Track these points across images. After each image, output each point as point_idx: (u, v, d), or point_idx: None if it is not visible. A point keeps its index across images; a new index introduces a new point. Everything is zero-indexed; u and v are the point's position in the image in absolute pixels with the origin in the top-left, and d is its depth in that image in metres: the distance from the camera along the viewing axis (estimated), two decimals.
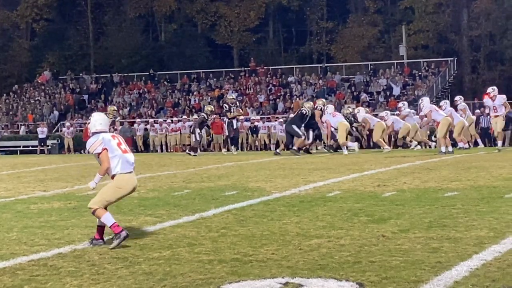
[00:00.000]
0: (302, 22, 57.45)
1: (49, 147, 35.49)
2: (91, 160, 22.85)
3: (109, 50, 56.24)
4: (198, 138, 25.28)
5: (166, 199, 10.75)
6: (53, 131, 39.09)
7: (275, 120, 33.20)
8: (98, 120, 7.63)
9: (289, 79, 42.72)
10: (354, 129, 23.73)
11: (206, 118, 25.51)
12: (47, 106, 43.73)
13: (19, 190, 12.97)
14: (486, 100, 20.58)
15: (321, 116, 22.84)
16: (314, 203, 9.80)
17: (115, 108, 29.26)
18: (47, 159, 26.79)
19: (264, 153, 27.46)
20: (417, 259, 6.02)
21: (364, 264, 5.93)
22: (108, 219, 7.13)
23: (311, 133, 22.89)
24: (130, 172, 7.41)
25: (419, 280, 5.29)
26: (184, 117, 35.38)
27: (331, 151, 22.79)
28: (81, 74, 49.14)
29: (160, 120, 36.36)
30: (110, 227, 7.09)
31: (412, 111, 25.56)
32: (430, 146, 24.77)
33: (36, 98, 45.41)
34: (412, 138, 23.58)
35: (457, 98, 23.96)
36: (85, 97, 44.89)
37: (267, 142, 32.79)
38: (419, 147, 24.09)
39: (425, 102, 20.69)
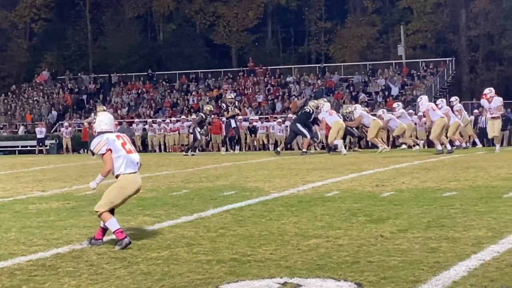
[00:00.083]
0: (300, 22, 57.48)
1: (48, 147, 35.49)
2: (89, 160, 22.89)
3: (108, 50, 56.25)
4: (198, 138, 25.30)
5: (164, 199, 10.74)
6: (52, 131, 39.09)
7: (274, 120, 33.22)
8: (103, 120, 7.56)
9: (288, 79, 42.73)
10: (354, 128, 23.76)
11: (205, 117, 25.51)
12: (46, 106, 43.72)
13: (17, 190, 12.96)
14: (483, 101, 20.51)
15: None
16: (312, 203, 9.80)
17: (104, 108, 28.87)
18: (45, 159, 26.78)
19: (263, 153, 27.47)
20: (416, 259, 6.02)
21: (363, 264, 5.93)
22: (113, 224, 7.08)
23: (318, 132, 22.92)
24: (135, 173, 7.34)
25: (417, 280, 5.29)
26: (183, 117, 35.38)
27: (330, 151, 22.80)
28: (79, 74, 49.13)
29: (159, 120, 36.37)
30: (114, 232, 7.05)
31: (410, 111, 25.59)
32: (416, 146, 24.75)
33: (34, 98, 45.40)
34: (410, 137, 23.63)
35: (452, 99, 23.87)
36: (84, 97, 44.88)
37: (265, 142, 32.80)
38: (417, 147, 24.11)
39: (423, 101, 20.66)
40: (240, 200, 10.33)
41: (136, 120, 37.27)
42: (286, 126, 31.59)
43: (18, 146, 37.41)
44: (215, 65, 51.44)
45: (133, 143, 35.26)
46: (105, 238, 7.34)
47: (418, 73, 40.31)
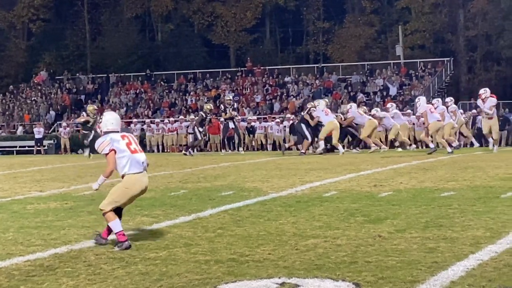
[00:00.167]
0: (298, 22, 57.49)
1: (46, 147, 35.48)
2: (87, 161, 22.88)
3: (106, 50, 56.21)
4: (200, 137, 25.31)
5: (162, 200, 10.74)
6: (50, 131, 39.06)
7: (272, 120, 33.22)
8: (109, 120, 7.51)
9: (286, 79, 42.72)
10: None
11: (205, 116, 25.50)
12: (44, 106, 43.69)
13: (15, 190, 12.95)
14: (479, 101, 20.52)
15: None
16: (310, 203, 9.80)
17: (95, 107, 28.67)
18: (43, 159, 26.77)
19: (261, 153, 27.46)
20: (414, 259, 6.03)
21: (361, 264, 5.93)
22: (115, 226, 7.05)
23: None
24: (140, 173, 7.28)
25: (415, 280, 5.29)
26: (181, 117, 35.36)
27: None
28: (77, 74, 49.10)
29: (157, 120, 36.35)
30: (115, 233, 7.04)
31: (409, 111, 25.59)
32: (413, 145, 24.82)
33: (32, 98, 45.36)
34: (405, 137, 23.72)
35: (447, 99, 23.74)
36: (82, 97, 44.83)
37: (263, 142, 32.79)
38: (413, 146, 24.24)
39: (421, 102, 20.70)
40: (238, 200, 10.33)
41: (134, 120, 37.25)
42: (285, 126, 31.61)
43: (16, 146, 37.37)
44: (213, 65, 51.41)
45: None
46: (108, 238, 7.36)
47: (416, 73, 40.33)
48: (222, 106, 25.96)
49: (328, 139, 22.36)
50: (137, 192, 7.29)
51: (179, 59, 53.29)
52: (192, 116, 33.59)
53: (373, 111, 24.79)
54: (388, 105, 25.25)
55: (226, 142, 28.70)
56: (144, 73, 46.84)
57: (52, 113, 42.77)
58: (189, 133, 31.06)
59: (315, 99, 27.41)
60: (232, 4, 54.94)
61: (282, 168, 15.97)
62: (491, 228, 7.37)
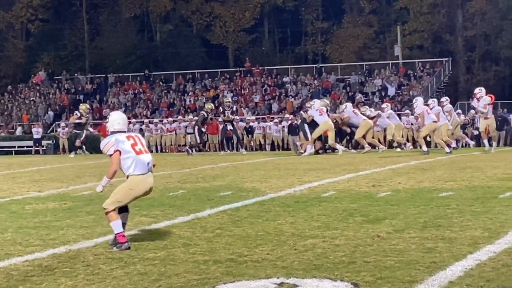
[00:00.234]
0: (297, 22, 57.48)
1: (44, 148, 35.45)
2: (86, 161, 22.87)
3: (104, 50, 56.18)
4: (199, 140, 25.29)
5: (161, 200, 10.73)
6: (48, 132, 39.04)
7: (271, 121, 33.21)
8: (116, 120, 7.46)
9: (284, 79, 42.72)
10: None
11: (206, 115, 25.46)
12: (42, 106, 43.66)
13: (14, 190, 12.94)
14: (474, 101, 20.51)
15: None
16: (309, 203, 9.81)
17: (88, 106, 28.53)
18: (42, 159, 26.74)
19: (259, 153, 27.46)
20: (412, 259, 6.03)
21: (359, 264, 5.94)
22: (116, 226, 7.04)
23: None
24: (145, 174, 7.24)
25: (413, 280, 5.30)
26: (180, 117, 35.35)
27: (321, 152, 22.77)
28: (76, 75, 49.06)
29: (155, 120, 36.34)
30: (116, 234, 7.03)
31: (407, 111, 25.59)
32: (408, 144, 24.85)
33: (31, 99, 45.34)
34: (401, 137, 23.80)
35: (443, 99, 23.66)
36: (80, 97, 44.79)
37: (262, 142, 32.79)
38: (409, 144, 24.31)
39: (418, 103, 20.69)
40: (236, 200, 10.34)
41: (133, 120, 37.18)
42: (283, 127, 31.63)
43: (14, 147, 37.34)
44: (212, 65, 51.38)
45: None
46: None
47: (415, 74, 40.36)
48: (220, 107, 25.93)
49: (324, 139, 22.39)
50: (141, 193, 7.28)
51: (177, 59, 53.26)
52: (190, 116, 33.60)
53: (367, 112, 24.22)
54: (384, 105, 25.23)
55: (225, 143, 28.67)
56: (142, 73, 46.82)
57: (51, 113, 42.76)
58: (188, 133, 31.06)
59: (314, 99, 27.32)
60: (231, 5, 54.93)
61: (280, 168, 15.98)
62: (489, 228, 7.38)
